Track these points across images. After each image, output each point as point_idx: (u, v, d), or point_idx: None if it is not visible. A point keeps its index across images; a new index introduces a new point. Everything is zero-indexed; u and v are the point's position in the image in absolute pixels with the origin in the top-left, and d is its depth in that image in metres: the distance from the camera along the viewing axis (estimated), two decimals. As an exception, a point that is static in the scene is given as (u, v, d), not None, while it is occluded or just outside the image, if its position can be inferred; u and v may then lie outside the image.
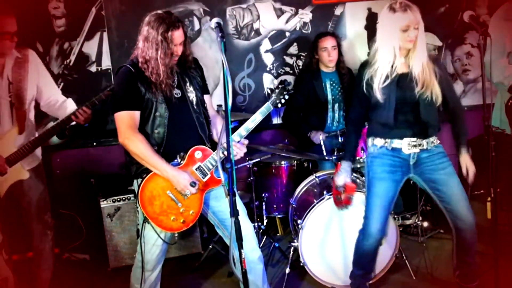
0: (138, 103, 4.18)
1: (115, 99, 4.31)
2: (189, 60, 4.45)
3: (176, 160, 4.28)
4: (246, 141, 4.39)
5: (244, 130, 4.30)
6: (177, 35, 4.18)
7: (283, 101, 4.42)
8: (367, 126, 4.79)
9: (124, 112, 4.14)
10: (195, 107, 4.40)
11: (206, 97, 4.61)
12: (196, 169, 4.28)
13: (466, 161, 4.61)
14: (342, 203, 4.90)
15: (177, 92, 4.33)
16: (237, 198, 3.88)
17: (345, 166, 4.75)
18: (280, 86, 4.40)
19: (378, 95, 4.39)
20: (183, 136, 4.32)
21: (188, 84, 4.41)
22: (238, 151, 4.30)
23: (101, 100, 4.85)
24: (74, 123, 4.89)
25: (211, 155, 4.31)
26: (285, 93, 4.41)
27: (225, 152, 4.14)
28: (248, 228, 4.44)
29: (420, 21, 4.24)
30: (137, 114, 4.19)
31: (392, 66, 4.38)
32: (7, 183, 4.84)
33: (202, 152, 4.30)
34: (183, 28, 4.26)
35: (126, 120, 4.14)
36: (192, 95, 4.40)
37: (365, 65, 4.56)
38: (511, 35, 4.93)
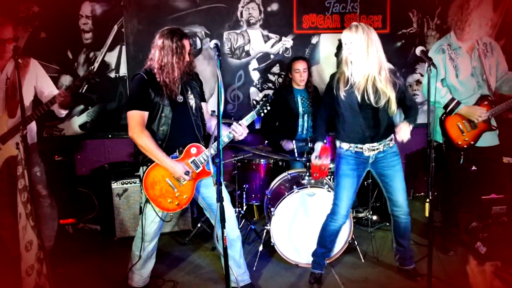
0: (148, 105, 4.20)
1: (129, 100, 4.34)
2: (192, 69, 4.48)
3: (175, 154, 4.30)
4: (242, 126, 4.39)
5: (229, 133, 4.33)
6: (187, 43, 4.26)
7: (265, 110, 4.45)
8: (331, 135, 4.85)
9: (136, 111, 4.17)
10: (194, 111, 4.42)
11: (203, 104, 4.63)
12: (191, 162, 4.31)
13: (403, 128, 4.56)
14: (319, 176, 4.92)
15: (180, 98, 4.34)
16: (223, 188, 3.91)
17: (318, 146, 4.76)
18: (263, 99, 4.43)
19: (342, 95, 4.50)
20: (183, 134, 4.34)
21: (189, 92, 4.42)
22: (243, 131, 4.36)
23: (75, 87, 4.90)
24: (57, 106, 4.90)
25: (204, 152, 4.32)
26: (267, 104, 4.44)
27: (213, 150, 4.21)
28: (230, 212, 4.48)
29: (357, 39, 4.35)
30: (146, 114, 4.21)
31: (351, 74, 4.51)
32: (2, 158, 4.87)
33: (197, 148, 4.33)
34: (189, 39, 4.33)
35: (136, 118, 4.16)
36: (192, 101, 4.42)
37: (334, 75, 4.67)
38: (441, 65, 5.05)
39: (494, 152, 5.23)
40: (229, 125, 4.41)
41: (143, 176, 4.29)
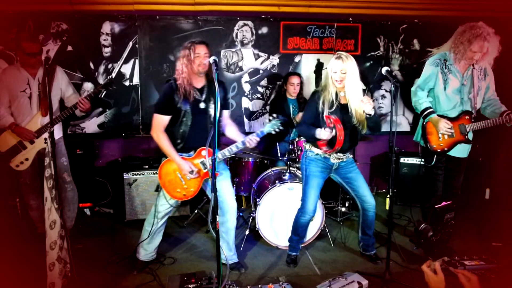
0: (171, 110, 4.27)
1: (156, 103, 4.39)
2: (209, 73, 4.36)
3: (191, 152, 4.39)
4: (257, 139, 4.32)
5: (241, 143, 4.34)
6: (199, 47, 4.19)
7: (277, 130, 4.32)
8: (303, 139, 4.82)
9: (159, 116, 4.27)
10: (211, 119, 4.37)
11: (224, 111, 4.61)
12: (200, 162, 4.38)
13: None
14: (335, 146, 4.40)
15: (202, 105, 4.35)
16: (230, 186, 4.13)
17: (322, 130, 4.36)
18: (274, 118, 4.34)
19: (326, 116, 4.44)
20: (199, 137, 4.32)
21: (212, 101, 4.38)
22: (255, 141, 4.30)
23: (91, 96, 5.02)
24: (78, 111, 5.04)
25: None
26: (279, 124, 4.31)
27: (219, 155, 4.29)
28: (233, 205, 4.57)
29: (348, 68, 4.26)
30: (167, 118, 4.29)
31: (336, 96, 4.45)
32: (35, 149, 5.06)
33: (207, 151, 4.34)
34: (207, 46, 4.25)
35: (159, 121, 4.27)
36: (212, 110, 4.37)
37: (315, 93, 4.58)
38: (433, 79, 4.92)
39: (460, 163, 5.15)
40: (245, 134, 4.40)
41: (159, 167, 4.42)
